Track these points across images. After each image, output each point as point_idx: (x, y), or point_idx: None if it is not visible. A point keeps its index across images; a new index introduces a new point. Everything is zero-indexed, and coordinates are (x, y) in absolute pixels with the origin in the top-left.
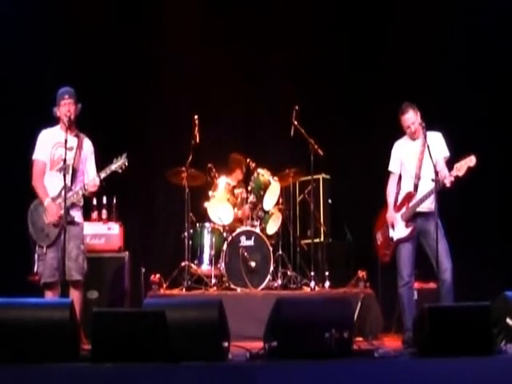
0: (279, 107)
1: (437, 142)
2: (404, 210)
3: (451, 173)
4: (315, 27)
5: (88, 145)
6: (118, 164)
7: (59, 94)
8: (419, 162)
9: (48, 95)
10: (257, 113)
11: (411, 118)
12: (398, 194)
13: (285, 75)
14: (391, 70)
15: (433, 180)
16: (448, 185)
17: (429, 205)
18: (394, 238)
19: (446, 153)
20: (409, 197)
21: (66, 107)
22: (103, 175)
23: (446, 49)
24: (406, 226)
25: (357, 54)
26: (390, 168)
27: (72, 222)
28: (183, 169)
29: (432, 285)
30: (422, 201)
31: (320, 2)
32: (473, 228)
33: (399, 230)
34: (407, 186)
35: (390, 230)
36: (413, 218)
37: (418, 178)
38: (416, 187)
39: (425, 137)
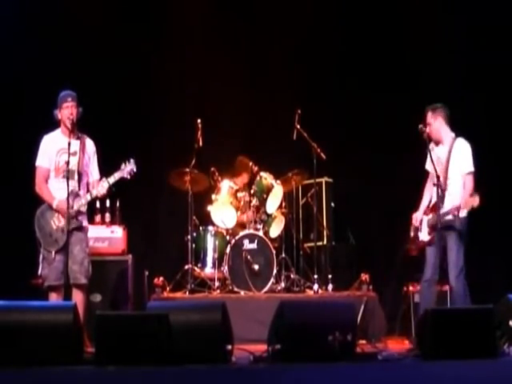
0: (282, 111)
1: (462, 153)
2: (431, 216)
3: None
4: (318, 31)
5: (90, 145)
6: (127, 170)
7: (61, 96)
8: (445, 172)
9: (50, 98)
10: (259, 116)
11: (427, 118)
12: (432, 196)
13: (287, 78)
14: (393, 73)
15: (434, 184)
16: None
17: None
18: (420, 239)
19: (468, 168)
20: (435, 207)
21: (68, 110)
22: (112, 180)
23: (446, 52)
24: (429, 233)
25: (359, 56)
26: (426, 166)
27: (80, 228)
28: (186, 172)
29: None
30: (444, 216)
31: (322, 6)
32: (475, 231)
33: (424, 234)
34: (435, 194)
35: (419, 231)
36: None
37: (443, 189)
38: (442, 199)
39: (451, 146)
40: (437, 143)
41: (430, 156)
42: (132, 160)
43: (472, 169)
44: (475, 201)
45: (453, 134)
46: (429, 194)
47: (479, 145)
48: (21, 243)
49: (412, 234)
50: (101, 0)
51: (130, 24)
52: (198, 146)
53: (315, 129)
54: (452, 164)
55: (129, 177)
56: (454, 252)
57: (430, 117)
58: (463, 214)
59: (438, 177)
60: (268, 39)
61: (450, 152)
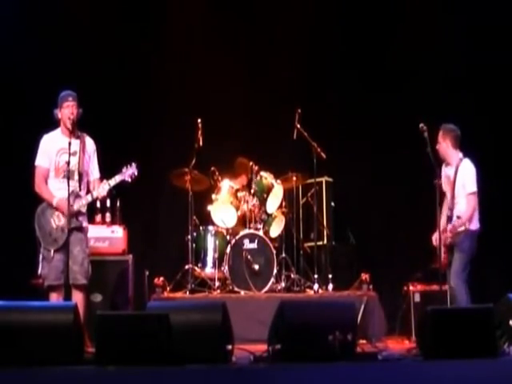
0: (282, 110)
1: (467, 175)
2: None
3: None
4: (318, 31)
5: (90, 144)
6: (128, 173)
7: (62, 96)
8: (452, 191)
9: (50, 98)
10: (260, 116)
11: (438, 136)
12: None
13: (287, 78)
14: (393, 73)
15: (435, 184)
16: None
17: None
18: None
19: (471, 189)
20: (446, 229)
21: (69, 109)
22: (112, 183)
23: (446, 52)
24: (445, 252)
25: (359, 56)
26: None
27: (80, 228)
28: (187, 172)
29: (435, 287)
30: (452, 238)
31: (323, 5)
32: None
33: (442, 253)
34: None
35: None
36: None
37: (451, 209)
38: (450, 218)
39: (457, 167)
40: (446, 163)
41: (440, 175)
42: (134, 164)
43: (474, 189)
44: (463, 227)
45: (460, 155)
46: (443, 214)
47: (479, 145)
48: (21, 243)
49: (437, 251)
50: (101, 0)
51: (130, 24)
52: (198, 145)
53: (315, 128)
54: (458, 184)
55: (130, 180)
56: (458, 255)
57: (440, 136)
58: (472, 227)
59: (439, 176)
60: (268, 39)
61: (456, 173)
